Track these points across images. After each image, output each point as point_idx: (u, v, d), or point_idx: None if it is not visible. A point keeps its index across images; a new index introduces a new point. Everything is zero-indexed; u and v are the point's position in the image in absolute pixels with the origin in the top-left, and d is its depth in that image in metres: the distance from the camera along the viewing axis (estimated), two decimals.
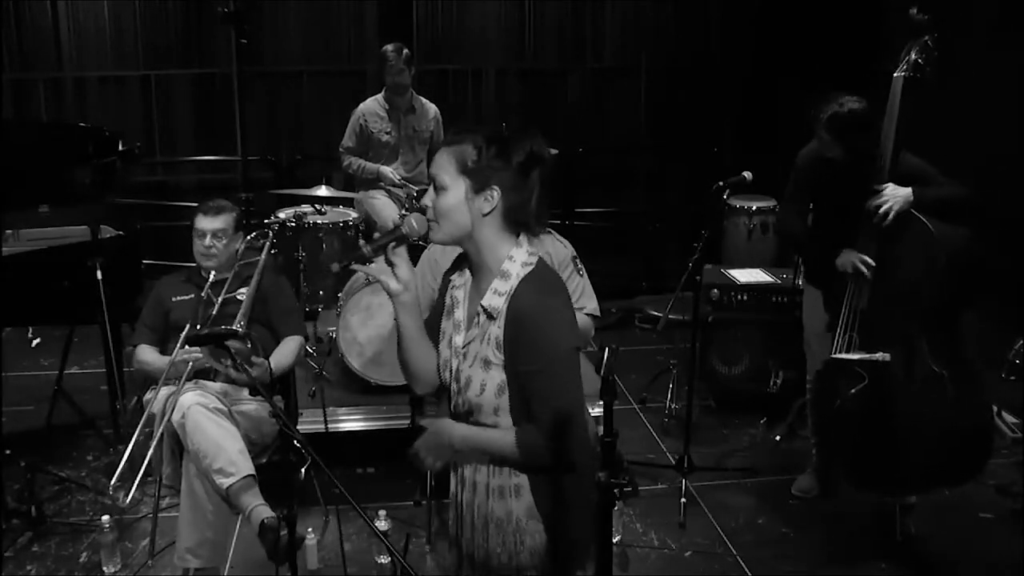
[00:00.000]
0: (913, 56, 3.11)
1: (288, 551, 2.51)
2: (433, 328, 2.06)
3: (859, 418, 3.24)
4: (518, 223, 1.92)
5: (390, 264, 1.93)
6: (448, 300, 2.04)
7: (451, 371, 1.98)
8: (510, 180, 1.87)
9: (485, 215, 1.88)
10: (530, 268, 1.90)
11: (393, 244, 1.92)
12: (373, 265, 1.92)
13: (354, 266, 1.93)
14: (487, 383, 1.90)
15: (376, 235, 2.04)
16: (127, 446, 3.08)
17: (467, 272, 2.02)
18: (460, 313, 1.99)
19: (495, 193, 1.87)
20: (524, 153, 1.87)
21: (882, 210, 3.08)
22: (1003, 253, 3.23)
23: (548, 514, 1.95)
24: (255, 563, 3.18)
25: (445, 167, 1.90)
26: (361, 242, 1.97)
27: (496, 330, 1.88)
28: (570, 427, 1.86)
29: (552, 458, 1.88)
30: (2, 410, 3.73)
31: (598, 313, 3.26)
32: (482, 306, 1.91)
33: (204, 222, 3.35)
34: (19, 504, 3.50)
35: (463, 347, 1.95)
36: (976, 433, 3.11)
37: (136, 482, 2.98)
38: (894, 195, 3.08)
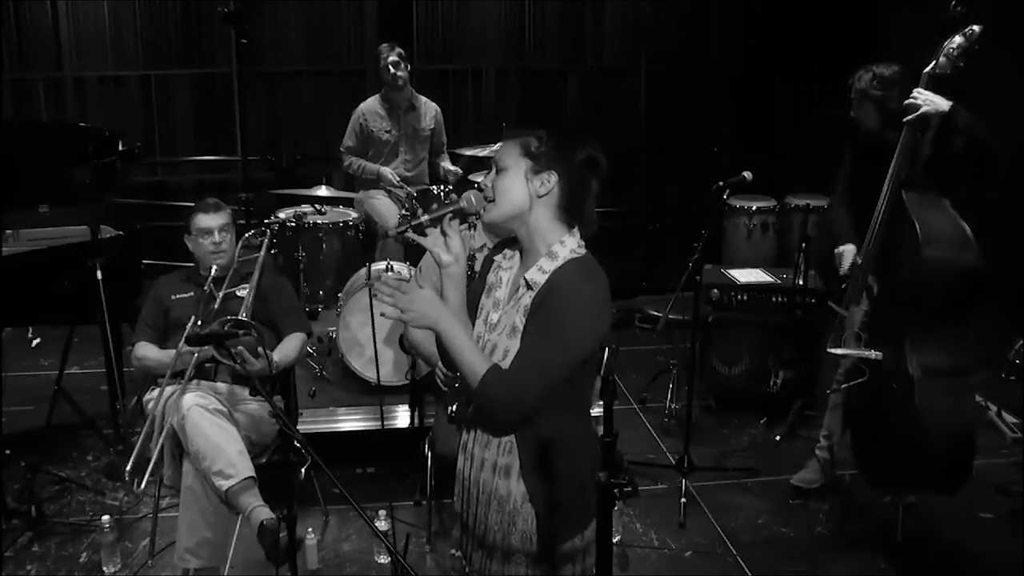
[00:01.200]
0: (948, 52, 3.04)
1: (287, 552, 2.51)
2: (470, 306, 2.09)
3: (858, 412, 3.27)
4: (571, 215, 1.98)
5: (444, 235, 2.01)
6: (492, 278, 2.08)
7: (482, 346, 1.99)
8: (567, 171, 1.95)
9: (540, 196, 1.94)
10: (579, 255, 1.96)
11: (450, 217, 2.00)
12: (427, 237, 2.01)
13: (410, 234, 2.00)
14: (511, 350, 1.92)
15: (435, 206, 2.10)
16: (137, 437, 3.09)
17: (516, 255, 2.06)
18: (502, 292, 2.03)
19: (552, 177, 1.94)
20: (584, 152, 1.96)
21: (911, 103, 3.04)
22: (1003, 253, 3.22)
23: (539, 502, 1.96)
24: (255, 563, 3.18)
25: (509, 151, 1.98)
26: (420, 212, 2.01)
27: (527, 299, 1.93)
28: (529, 398, 1.86)
29: (500, 412, 1.90)
30: (2, 410, 3.73)
31: None
32: (525, 279, 1.95)
33: (208, 220, 3.36)
34: (19, 504, 3.50)
35: (497, 320, 1.99)
36: (947, 442, 3.05)
37: (149, 469, 2.98)
38: (930, 98, 3.03)
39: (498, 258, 2.10)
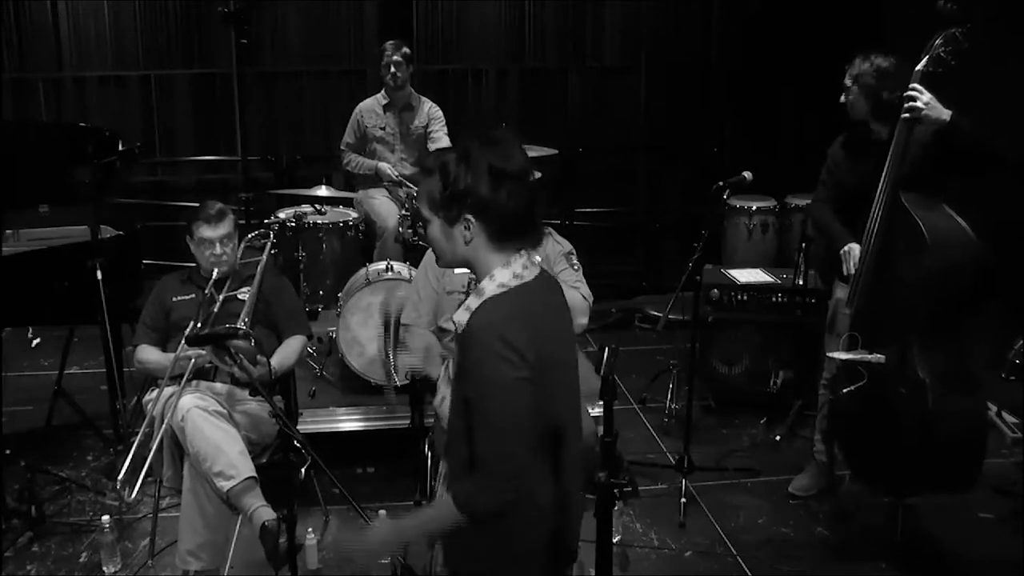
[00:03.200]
0: (937, 49, 3.04)
1: (288, 553, 2.51)
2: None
3: (855, 416, 3.25)
4: (510, 237, 1.87)
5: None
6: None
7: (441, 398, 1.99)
8: (482, 203, 1.81)
9: (468, 243, 1.85)
10: (504, 290, 1.85)
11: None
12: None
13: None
14: (445, 398, 1.89)
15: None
16: (132, 442, 3.09)
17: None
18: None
19: (471, 222, 1.83)
20: (486, 173, 1.80)
21: (912, 103, 3.01)
22: (1003, 253, 3.21)
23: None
24: (255, 564, 3.17)
25: (422, 200, 1.90)
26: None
27: (453, 344, 1.87)
28: (515, 464, 1.78)
29: (498, 499, 1.80)
30: (2, 410, 3.73)
31: (590, 298, 3.28)
32: (452, 320, 1.89)
33: (210, 231, 3.32)
34: (19, 504, 3.50)
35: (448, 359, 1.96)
36: (959, 445, 3.06)
37: (141, 477, 2.98)
38: (932, 103, 3.01)
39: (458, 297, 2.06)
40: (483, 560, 1.88)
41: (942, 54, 3.04)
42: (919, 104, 3.02)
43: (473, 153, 1.81)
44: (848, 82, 3.30)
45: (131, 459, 3.03)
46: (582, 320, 3.28)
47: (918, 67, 3.07)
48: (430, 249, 3.37)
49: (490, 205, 1.81)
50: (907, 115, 3.05)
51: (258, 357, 2.88)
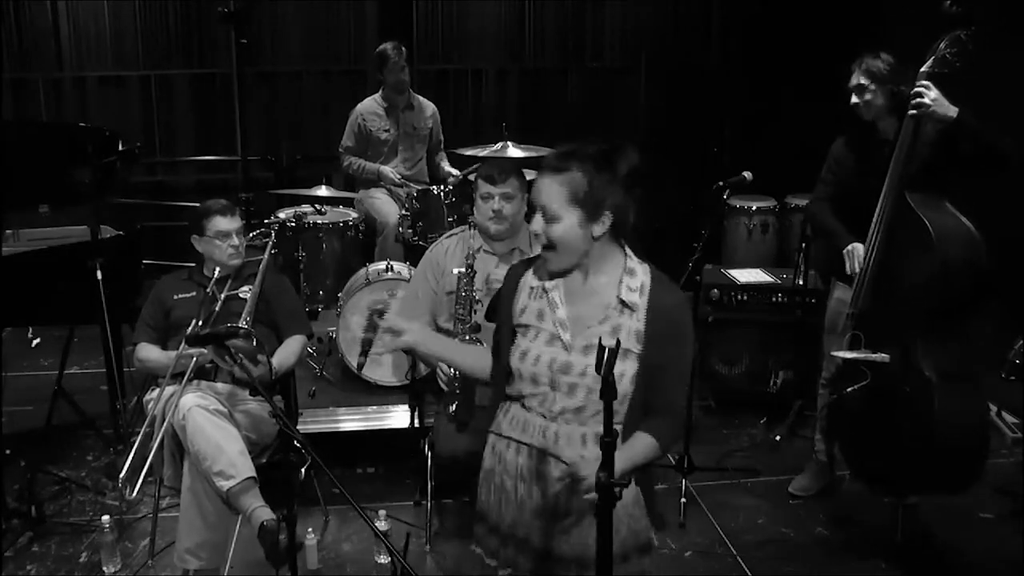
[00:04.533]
0: (942, 51, 3.03)
1: (287, 553, 2.51)
2: (501, 315, 2.17)
3: (857, 416, 3.25)
4: (624, 232, 2.04)
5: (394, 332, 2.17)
6: (539, 303, 2.08)
7: (554, 367, 2.01)
8: (620, 200, 1.97)
9: (597, 238, 1.98)
10: (650, 269, 2.07)
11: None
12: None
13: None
14: (626, 372, 1.98)
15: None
16: (133, 442, 3.09)
17: (554, 279, 2.07)
18: (563, 312, 2.04)
19: (608, 217, 1.97)
20: (628, 171, 1.96)
21: (918, 100, 3.01)
22: (1003, 253, 3.21)
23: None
24: (255, 563, 3.17)
25: (555, 197, 1.95)
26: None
27: (635, 323, 1.99)
28: (683, 413, 2.15)
29: (679, 436, 2.14)
30: (2, 410, 3.73)
31: None
32: (620, 299, 2.01)
33: (227, 223, 3.35)
34: (19, 504, 3.50)
35: (571, 339, 2.01)
36: (963, 443, 3.06)
37: (142, 476, 2.98)
38: (939, 100, 3.00)
39: (529, 279, 2.11)
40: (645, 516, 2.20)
41: (947, 56, 3.03)
42: (927, 100, 3.01)
43: (613, 155, 1.96)
44: (864, 80, 3.25)
45: (132, 458, 3.03)
46: None
47: (923, 68, 3.07)
48: (429, 249, 3.39)
49: (627, 200, 1.98)
50: (914, 111, 3.05)
51: (259, 356, 2.88)
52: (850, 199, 3.36)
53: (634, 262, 2.05)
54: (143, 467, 2.99)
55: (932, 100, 3.01)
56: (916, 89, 3.04)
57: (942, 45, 3.04)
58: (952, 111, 3.01)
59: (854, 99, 3.29)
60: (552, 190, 1.95)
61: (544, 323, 2.06)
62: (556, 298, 2.05)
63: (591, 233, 1.97)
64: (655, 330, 1.99)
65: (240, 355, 2.86)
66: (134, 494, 3.01)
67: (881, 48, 3.31)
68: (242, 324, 3.14)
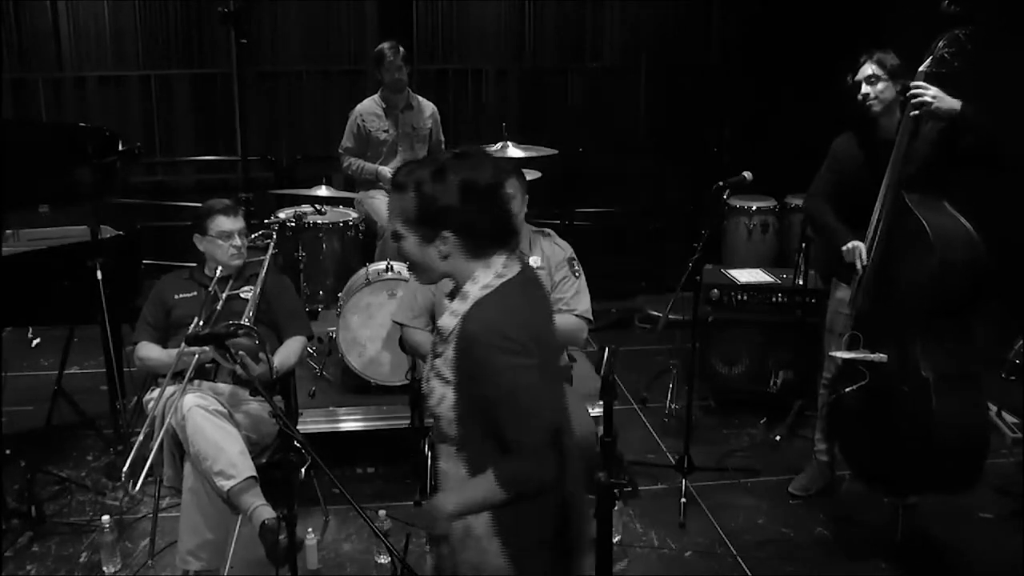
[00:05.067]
0: (940, 50, 3.03)
1: (287, 553, 2.51)
2: None
3: (856, 416, 3.25)
4: (488, 247, 1.90)
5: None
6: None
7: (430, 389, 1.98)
8: (459, 217, 1.84)
9: (445, 259, 1.88)
10: (489, 290, 1.87)
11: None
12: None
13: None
14: (445, 397, 1.89)
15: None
16: (133, 441, 3.09)
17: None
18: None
19: (447, 238, 1.86)
20: (460, 187, 1.83)
21: (919, 99, 3.01)
22: (1003, 253, 3.21)
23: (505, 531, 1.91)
24: (255, 563, 3.18)
25: (393, 216, 1.91)
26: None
27: (449, 351, 1.87)
28: (548, 442, 1.83)
29: (540, 477, 1.85)
30: (2, 410, 3.73)
31: (589, 315, 3.27)
32: (437, 326, 1.92)
33: (230, 223, 3.35)
34: (19, 504, 3.50)
35: (432, 360, 1.95)
36: (962, 443, 3.06)
37: (144, 471, 2.97)
38: (939, 95, 2.99)
39: (445, 300, 2.04)
40: (501, 552, 1.91)
41: (945, 55, 3.03)
42: (927, 98, 3.01)
43: (445, 169, 1.84)
44: (877, 71, 3.22)
45: (133, 456, 3.03)
46: (580, 337, 3.29)
47: (921, 68, 3.07)
48: None
49: (464, 221, 1.85)
50: (915, 112, 3.04)
51: (260, 355, 2.89)
52: (850, 197, 3.35)
53: (476, 286, 1.88)
54: (144, 465, 2.99)
55: (933, 97, 3.01)
56: (912, 91, 3.04)
57: (940, 44, 3.04)
58: (956, 104, 3.01)
59: (865, 89, 3.25)
60: (392, 208, 1.91)
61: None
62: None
63: (436, 254, 1.88)
64: (460, 360, 1.85)
65: (242, 353, 2.86)
66: (137, 488, 3.00)
67: (881, 49, 3.31)
68: (244, 322, 3.14)
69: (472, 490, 1.90)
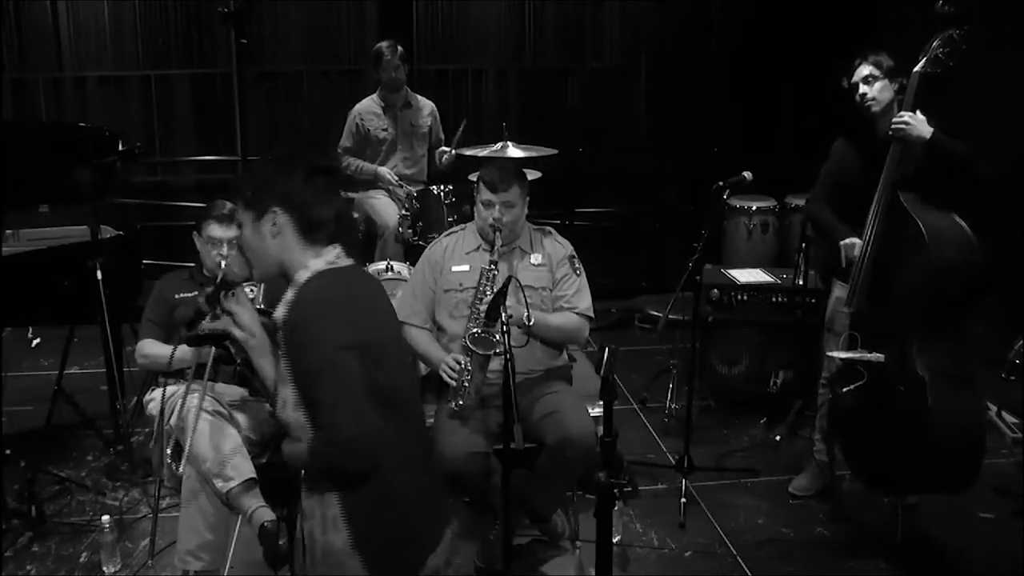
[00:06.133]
0: (934, 50, 3.04)
1: (287, 555, 2.51)
2: None
3: (854, 415, 3.26)
4: (321, 235, 1.89)
5: (228, 313, 1.95)
6: None
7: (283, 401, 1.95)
8: (291, 194, 1.86)
9: (276, 238, 1.88)
10: (317, 271, 1.88)
11: (224, 292, 1.94)
12: (218, 320, 1.95)
13: (203, 327, 1.97)
14: (287, 398, 1.87)
15: (208, 289, 2.05)
16: (171, 428, 3.04)
17: None
18: None
19: (276, 214, 1.86)
20: (302, 166, 1.86)
21: (895, 126, 3.06)
22: (1003, 253, 3.22)
23: (364, 548, 1.89)
24: (255, 564, 3.17)
25: (237, 205, 1.93)
26: (199, 298, 1.98)
27: (281, 340, 1.86)
28: (344, 427, 1.80)
29: (341, 462, 1.84)
30: (2, 410, 3.73)
31: (591, 313, 3.28)
32: (273, 318, 1.90)
33: (220, 231, 3.31)
34: (19, 504, 3.50)
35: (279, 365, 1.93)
36: (958, 443, 3.05)
37: (185, 456, 2.92)
38: (915, 120, 3.05)
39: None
40: (388, 529, 1.90)
41: (939, 55, 3.04)
42: (901, 126, 3.07)
43: (286, 155, 1.90)
44: (875, 71, 3.25)
45: (173, 444, 2.97)
46: (581, 336, 3.29)
47: (916, 68, 3.08)
48: (428, 247, 3.39)
49: (295, 194, 1.86)
50: (891, 133, 3.10)
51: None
52: (851, 199, 3.36)
53: (307, 272, 1.89)
54: (182, 448, 2.95)
55: (906, 123, 3.06)
56: (894, 123, 3.08)
57: (935, 44, 3.05)
58: (926, 132, 3.05)
59: (863, 89, 3.27)
60: (238, 199, 1.96)
61: None
62: None
63: (267, 234, 1.89)
64: (285, 343, 1.84)
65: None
66: (180, 471, 2.96)
67: (881, 48, 3.31)
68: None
69: (295, 450, 1.90)
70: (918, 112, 3.09)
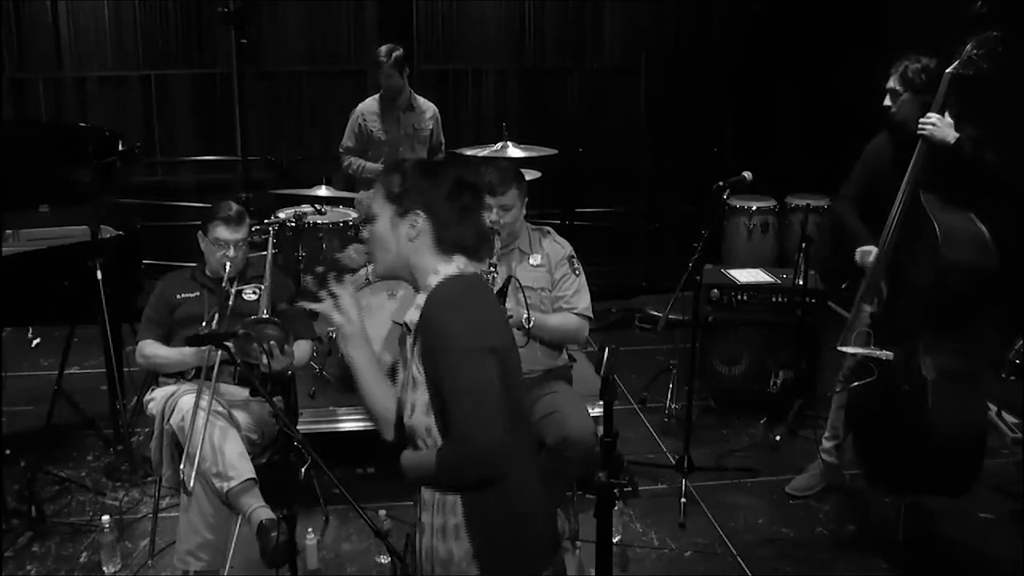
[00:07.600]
0: (969, 52, 3.01)
1: (284, 553, 2.51)
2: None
3: (863, 412, 3.27)
4: (454, 247, 1.90)
5: (332, 296, 1.95)
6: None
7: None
8: (437, 204, 1.87)
9: (412, 240, 1.88)
10: (448, 275, 1.88)
11: (334, 275, 1.95)
12: (320, 302, 1.94)
13: (301, 304, 1.96)
14: (416, 403, 1.86)
15: (319, 268, 2.05)
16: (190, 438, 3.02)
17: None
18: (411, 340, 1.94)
19: (419, 218, 1.87)
20: (450, 179, 1.87)
21: (922, 126, 3.05)
22: (1003, 253, 3.21)
23: (485, 557, 1.88)
24: (255, 564, 3.17)
25: (375, 196, 1.92)
26: (307, 277, 1.98)
27: (417, 342, 1.86)
28: (479, 437, 1.77)
29: (471, 472, 1.82)
30: (2, 410, 3.73)
31: (589, 313, 3.28)
32: (404, 322, 1.89)
33: (227, 233, 3.32)
34: (19, 504, 3.50)
35: (404, 376, 1.93)
36: (958, 445, 3.05)
37: (195, 467, 2.91)
38: (942, 123, 3.04)
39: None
40: (507, 537, 1.89)
41: (973, 57, 3.00)
42: (926, 130, 3.06)
43: (445, 163, 1.88)
44: (899, 86, 3.25)
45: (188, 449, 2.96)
46: (581, 336, 3.29)
47: (948, 70, 3.06)
48: None
49: (442, 206, 1.87)
50: (918, 132, 3.09)
51: (285, 347, 2.89)
52: (879, 199, 3.35)
53: (438, 278, 1.88)
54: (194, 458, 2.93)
55: (933, 124, 3.05)
56: (921, 124, 3.07)
57: (969, 47, 3.01)
58: (951, 137, 3.04)
59: (887, 101, 3.31)
60: (377, 188, 1.95)
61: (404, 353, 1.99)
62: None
63: (404, 234, 1.90)
64: (421, 345, 1.83)
65: (272, 343, 2.86)
66: (191, 484, 2.95)
67: (880, 49, 3.31)
68: (262, 314, 3.15)
69: (419, 457, 1.90)
70: (946, 115, 3.08)
